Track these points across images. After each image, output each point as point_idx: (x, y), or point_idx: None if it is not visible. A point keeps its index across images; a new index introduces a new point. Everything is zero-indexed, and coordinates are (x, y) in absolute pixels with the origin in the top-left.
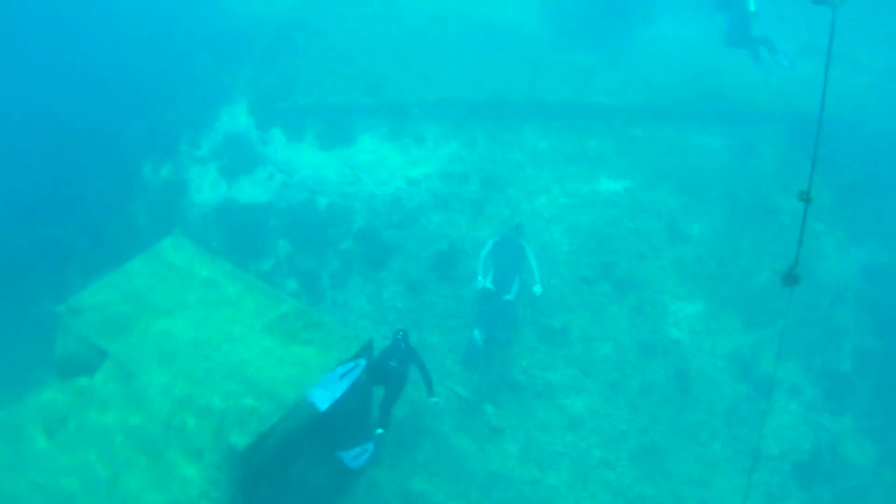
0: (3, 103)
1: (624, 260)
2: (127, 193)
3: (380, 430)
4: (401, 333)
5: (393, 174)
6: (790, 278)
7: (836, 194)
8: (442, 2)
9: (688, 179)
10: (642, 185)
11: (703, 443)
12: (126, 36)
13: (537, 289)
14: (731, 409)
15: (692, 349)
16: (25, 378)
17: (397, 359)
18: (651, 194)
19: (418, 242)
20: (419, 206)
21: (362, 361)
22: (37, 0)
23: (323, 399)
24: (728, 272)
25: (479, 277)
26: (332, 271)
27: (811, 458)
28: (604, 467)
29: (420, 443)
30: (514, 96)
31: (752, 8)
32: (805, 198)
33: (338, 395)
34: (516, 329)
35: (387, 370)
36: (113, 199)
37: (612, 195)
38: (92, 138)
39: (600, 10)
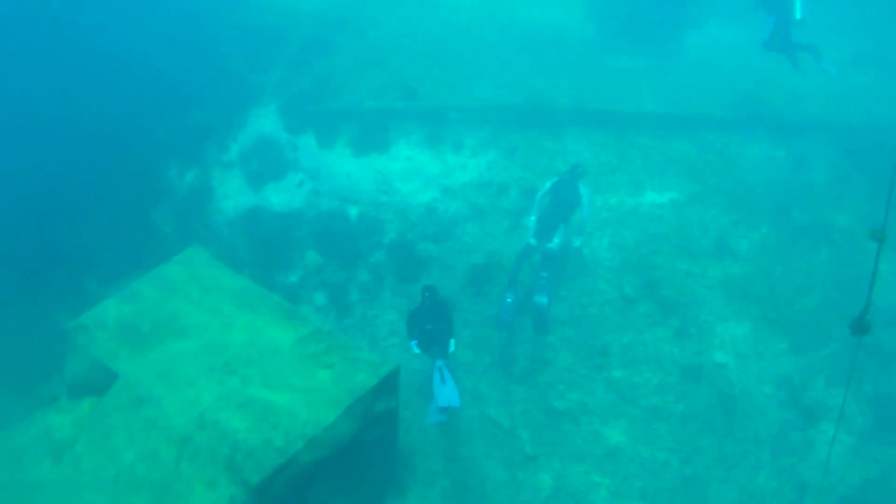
0: (22, 98)
1: (669, 278)
2: (151, 198)
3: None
4: (427, 293)
5: (428, 183)
6: (859, 327)
7: (889, 210)
8: (483, 1)
9: (736, 193)
10: (689, 198)
11: (747, 474)
12: (153, 32)
13: (576, 241)
14: (777, 438)
15: (738, 374)
16: (36, 394)
17: (432, 321)
18: (698, 208)
19: (453, 256)
20: (455, 217)
21: (439, 362)
22: None
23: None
24: (777, 292)
25: (533, 218)
26: (362, 285)
27: (859, 492)
28: (642, 499)
29: (450, 469)
30: (557, 102)
31: (798, 15)
32: (879, 237)
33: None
34: (557, 286)
35: (427, 335)
36: (136, 204)
37: (657, 208)
38: (115, 138)
39: (648, 13)
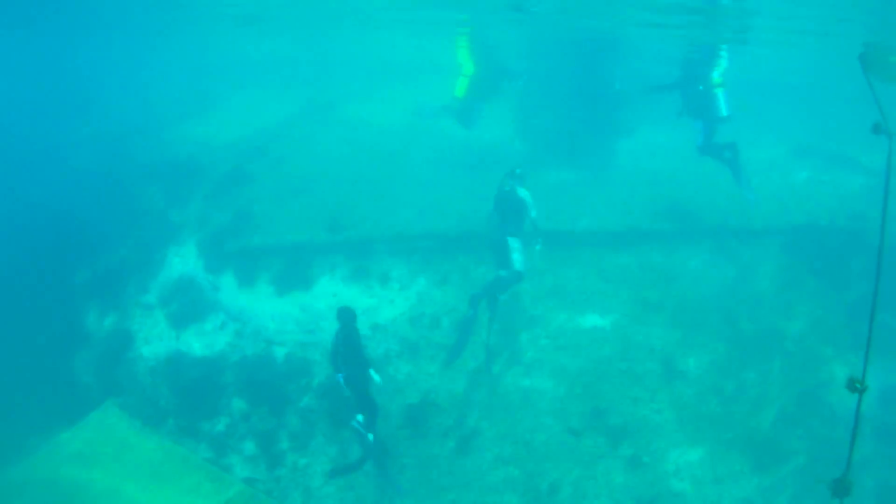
0: None
1: (616, 405)
2: (69, 346)
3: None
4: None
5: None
6: (841, 488)
7: (844, 311)
8: (409, 122)
9: (681, 308)
10: (632, 318)
11: None
12: (68, 169)
13: (537, 247)
14: None
15: (696, 501)
16: None
17: (346, 364)
18: (642, 328)
19: (386, 396)
20: (385, 354)
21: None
22: None
23: None
24: (731, 410)
25: None
26: (293, 431)
27: None
28: None
29: None
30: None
31: (723, 112)
32: (859, 387)
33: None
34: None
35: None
36: (54, 353)
37: (599, 332)
38: (30, 284)
39: (577, 124)
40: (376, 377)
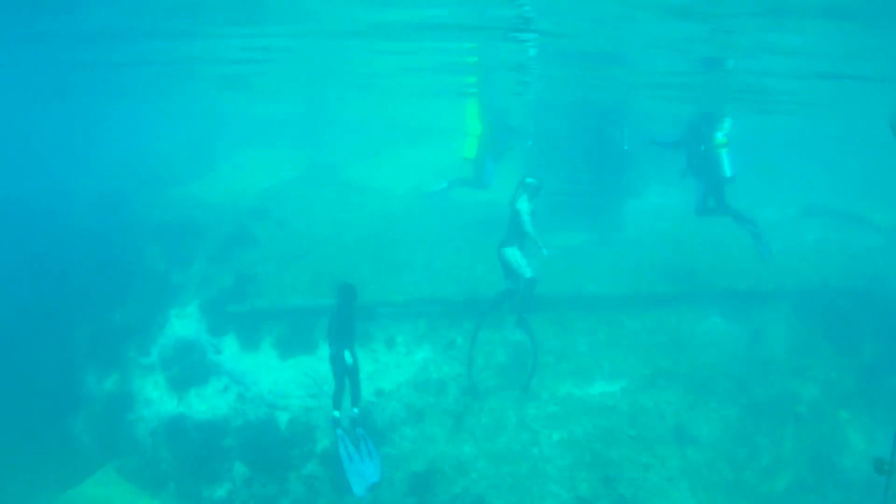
0: None
1: (626, 473)
2: (68, 406)
3: (356, 410)
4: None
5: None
6: None
7: (857, 375)
8: (412, 184)
9: (692, 373)
10: (641, 384)
11: None
12: (68, 229)
13: (544, 251)
14: None
15: None
16: None
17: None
18: (652, 394)
19: (391, 463)
20: (391, 420)
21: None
22: None
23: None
24: (744, 477)
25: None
26: (296, 499)
27: None
28: None
29: None
30: (494, 292)
31: (727, 173)
32: (886, 468)
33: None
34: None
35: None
36: (52, 413)
37: (608, 398)
38: (29, 343)
39: (584, 186)
40: (349, 359)
